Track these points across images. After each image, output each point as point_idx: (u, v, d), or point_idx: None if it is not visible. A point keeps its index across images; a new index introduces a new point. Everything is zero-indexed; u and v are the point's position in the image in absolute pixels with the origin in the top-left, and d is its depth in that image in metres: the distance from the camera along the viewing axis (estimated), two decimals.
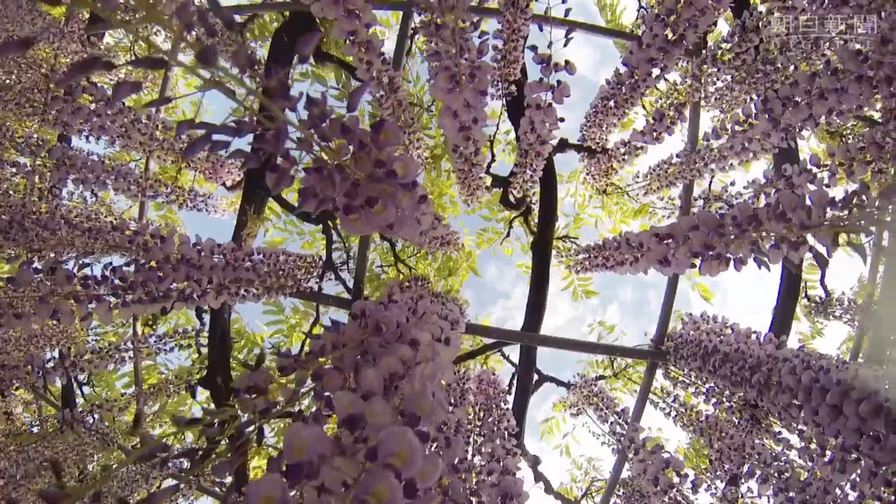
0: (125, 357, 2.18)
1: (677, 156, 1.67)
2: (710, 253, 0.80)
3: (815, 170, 1.35)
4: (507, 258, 2.48)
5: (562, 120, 1.13)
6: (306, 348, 2.12)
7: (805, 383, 1.23)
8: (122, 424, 2.69)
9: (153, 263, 1.13)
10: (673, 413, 1.90)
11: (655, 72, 1.42)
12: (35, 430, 2.77)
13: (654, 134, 1.50)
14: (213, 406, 2.56)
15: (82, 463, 2.54)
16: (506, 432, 1.42)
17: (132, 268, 1.12)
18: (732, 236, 0.82)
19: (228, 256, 1.32)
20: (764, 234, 0.76)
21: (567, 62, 0.92)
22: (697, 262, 0.90)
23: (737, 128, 1.31)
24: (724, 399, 1.71)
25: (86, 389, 3.10)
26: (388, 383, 0.61)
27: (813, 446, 1.43)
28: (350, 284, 1.85)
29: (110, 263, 1.13)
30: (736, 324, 1.89)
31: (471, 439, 1.54)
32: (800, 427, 1.50)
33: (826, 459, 1.26)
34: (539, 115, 1.07)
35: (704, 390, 1.81)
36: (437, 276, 2.23)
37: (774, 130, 1.18)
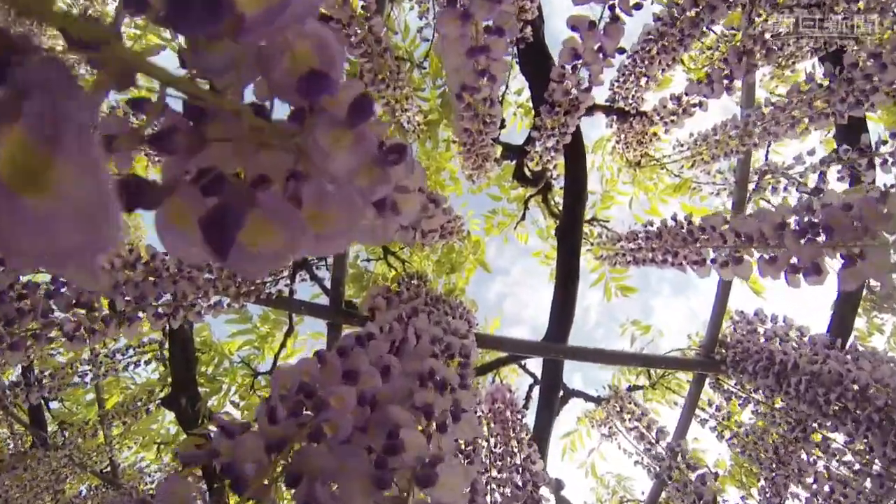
0: (76, 379, 1.88)
1: (746, 115, 1.29)
2: None
3: None
4: (505, 230, 2.09)
5: (621, 51, 0.74)
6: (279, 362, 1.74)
7: None
8: (92, 444, 2.40)
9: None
10: (728, 436, 1.56)
11: None
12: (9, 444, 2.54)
13: (726, 82, 1.11)
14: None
15: (57, 485, 2.28)
16: (531, 488, 1.07)
17: None
18: None
19: (145, 267, 0.95)
20: None
21: None
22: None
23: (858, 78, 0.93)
24: (800, 427, 1.36)
25: (54, 404, 2.83)
26: None
27: None
28: (329, 285, 1.49)
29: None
30: (805, 327, 1.53)
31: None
32: None
33: None
34: (592, 41, 0.69)
35: (770, 412, 1.46)
36: (437, 271, 1.87)
37: None
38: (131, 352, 1.98)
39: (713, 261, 0.84)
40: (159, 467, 2.72)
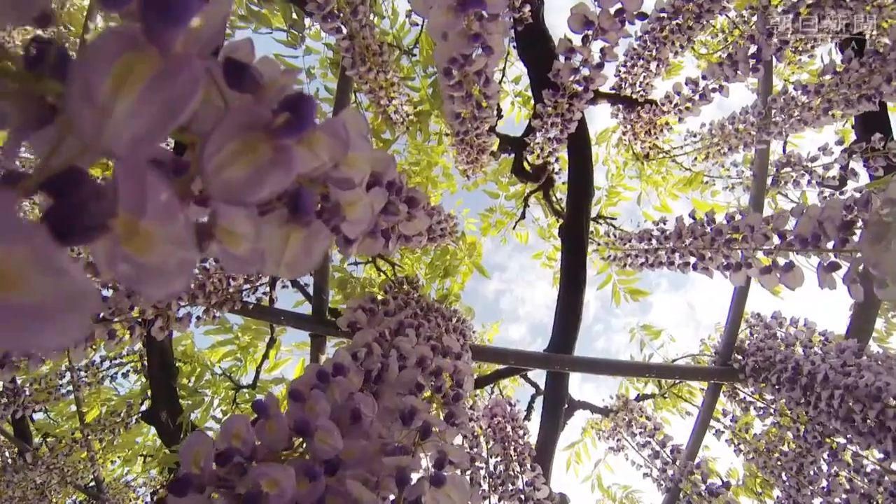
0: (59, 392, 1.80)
1: (771, 100, 1.16)
2: None
3: None
4: (503, 230, 1.97)
5: (642, 16, 0.62)
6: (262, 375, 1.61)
7: None
8: (75, 457, 2.29)
9: None
10: (745, 449, 1.44)
11: None
12: None
13: (751, 62, 0.99)
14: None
15: (41, 500, 2.18)
16: None
17: None
18: None
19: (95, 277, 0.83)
20: None
21: None
22: None
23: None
24: (828, 445, 1.24)
25: (39, 415, 2.72)
26: None
27: None
28: (312, 292, 1.36)
29: None
30: (828, 331, 1.42)
31: None
32: None
33: None
34: (610, 1, 0.57)
35: (794, 424, 1.34)
36: (430, 275, 1.75)
37: None
38: (107, 364, 1.86)
39: (748, 265, 0.72)
40: (145, 481, 2.61)
